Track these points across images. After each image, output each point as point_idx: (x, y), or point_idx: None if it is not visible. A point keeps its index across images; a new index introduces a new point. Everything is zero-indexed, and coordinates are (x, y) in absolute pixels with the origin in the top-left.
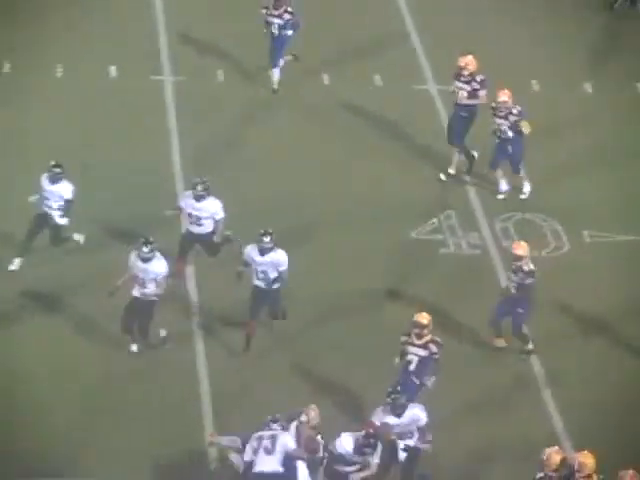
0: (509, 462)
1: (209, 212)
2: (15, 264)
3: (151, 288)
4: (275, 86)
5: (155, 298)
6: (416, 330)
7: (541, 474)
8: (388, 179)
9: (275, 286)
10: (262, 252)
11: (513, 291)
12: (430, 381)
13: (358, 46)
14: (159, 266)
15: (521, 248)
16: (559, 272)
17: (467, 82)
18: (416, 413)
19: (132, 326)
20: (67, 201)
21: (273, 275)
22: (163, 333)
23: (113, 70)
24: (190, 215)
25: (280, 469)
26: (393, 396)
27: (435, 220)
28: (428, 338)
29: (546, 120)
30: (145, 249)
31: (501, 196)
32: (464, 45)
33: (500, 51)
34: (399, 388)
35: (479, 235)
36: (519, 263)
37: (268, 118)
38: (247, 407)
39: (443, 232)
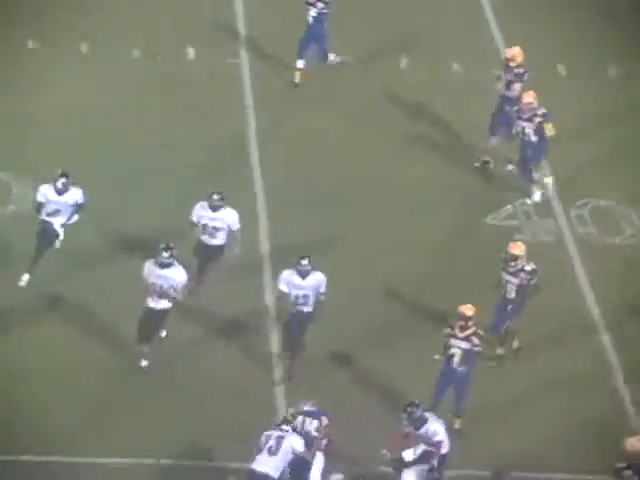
0: (584, 448)
1: (225, 222)
2: (24, 280)
3: (169, 296)
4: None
5: (169, 306)
6: (461, 322)
7: (623, 464)
8: (462, 164)
9: (311, 308)
10: (303, 275)
11: (513, 295)
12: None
13: (436, 31)
14: (178, 274)
15: (517, 247)
16: (634, 259)
17: (510, 74)
18: (433, 428)
19: (148, 338)
20: (81, 205)
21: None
22: (163, 334)
23: (191, 52)
24: (205, 226)
25: (275, 475)
26: (409, 409)
27: (510, 206)
28: (471, 331)
29: (614, 107)
30: (165, 254)
31: (529, 202)
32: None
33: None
34: (417, 401)
35: (554, 222)
36: (516, 264)
37: (343, 103)
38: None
39: (518, 218)
